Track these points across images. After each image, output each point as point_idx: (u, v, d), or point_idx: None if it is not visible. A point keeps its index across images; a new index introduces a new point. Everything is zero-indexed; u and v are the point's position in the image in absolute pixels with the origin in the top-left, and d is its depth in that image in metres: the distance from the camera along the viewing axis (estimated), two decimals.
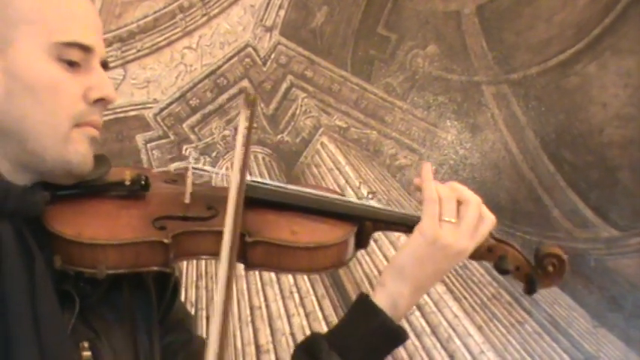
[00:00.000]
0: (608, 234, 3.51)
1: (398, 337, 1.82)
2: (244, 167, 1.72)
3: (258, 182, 1.85)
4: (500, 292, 3.53)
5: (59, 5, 1.69)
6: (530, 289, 1.90)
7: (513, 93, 3.59)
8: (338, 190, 1.98)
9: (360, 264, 3.57)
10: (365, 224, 1.87)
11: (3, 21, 1.67)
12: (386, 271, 1.83)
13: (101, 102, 1.71)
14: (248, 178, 1.81)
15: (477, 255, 1.88)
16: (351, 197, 1.91)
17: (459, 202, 1.82)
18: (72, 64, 1.68)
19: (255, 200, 1.81)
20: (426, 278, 1.82)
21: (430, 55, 3.63)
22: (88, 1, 1.75)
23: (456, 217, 1.80)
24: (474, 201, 1.82)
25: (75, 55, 1.68)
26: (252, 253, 1.75)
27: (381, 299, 1.81)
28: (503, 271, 1.89)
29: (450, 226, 1.79)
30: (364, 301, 1.82)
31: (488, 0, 3.61)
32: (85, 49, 1.69)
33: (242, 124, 1.75)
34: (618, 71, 3.51)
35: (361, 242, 1.88)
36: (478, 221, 1.81)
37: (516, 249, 1.90)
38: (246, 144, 1.73)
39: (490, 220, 1.84)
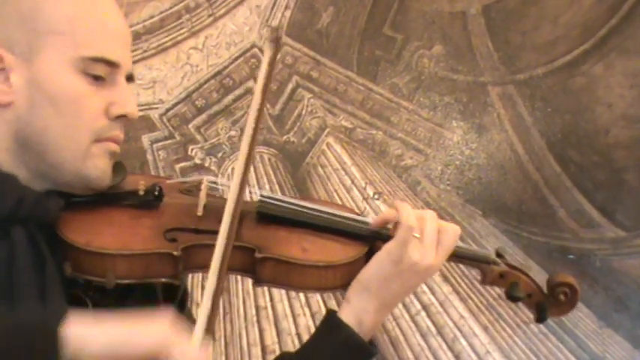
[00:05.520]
0: (613, 234, 3.50)
1: (364, 352, 1.80)
2: (264, 98, 1.70)
3: (271, 198, 1.84)
4: None
5: (89, 17, 1.69)
6: (540, 318, 1.88)
7: (519, 93, 3.59)
8: (355, 209, 1.94)
9: None
10: (376, 244, 1.84)
11: (32, 30, 1.66)
12: (352, 286, 1.81)
13: (123, 118, 1.71)
14: (261, 192, 1.81)
15: (489, 280, 1.88)
16: (367, 216, 1.89)
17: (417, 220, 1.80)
18: (97, 78, 1.68)
19: (267, 216, 1.80)
20: (392, 296, 1.81)
21: (436, 55, 3.63)
22: (118, 12, 1.74)
23: (420, 233, 1.79)
24: (428, 214, 1.81)
25: (100, 69, 1.68)
26: (261, 269, 1.74)
27: (346, 315, 1.80)
28: (514, 299, 1.87)
29: (416, 243, 1.78)
30: (331, 317, 1.81)
31: (494, 0, 3.61)
32: (111, 64, 1.69)
33: (265, 59, 1.73)
34: (624, 72, 3.51)
35: None
36: (439, 234, 1.79)
37: (529, 276, 1.88)
38: (266, 84, 1.72)
39: (452, 230, 1.82)
